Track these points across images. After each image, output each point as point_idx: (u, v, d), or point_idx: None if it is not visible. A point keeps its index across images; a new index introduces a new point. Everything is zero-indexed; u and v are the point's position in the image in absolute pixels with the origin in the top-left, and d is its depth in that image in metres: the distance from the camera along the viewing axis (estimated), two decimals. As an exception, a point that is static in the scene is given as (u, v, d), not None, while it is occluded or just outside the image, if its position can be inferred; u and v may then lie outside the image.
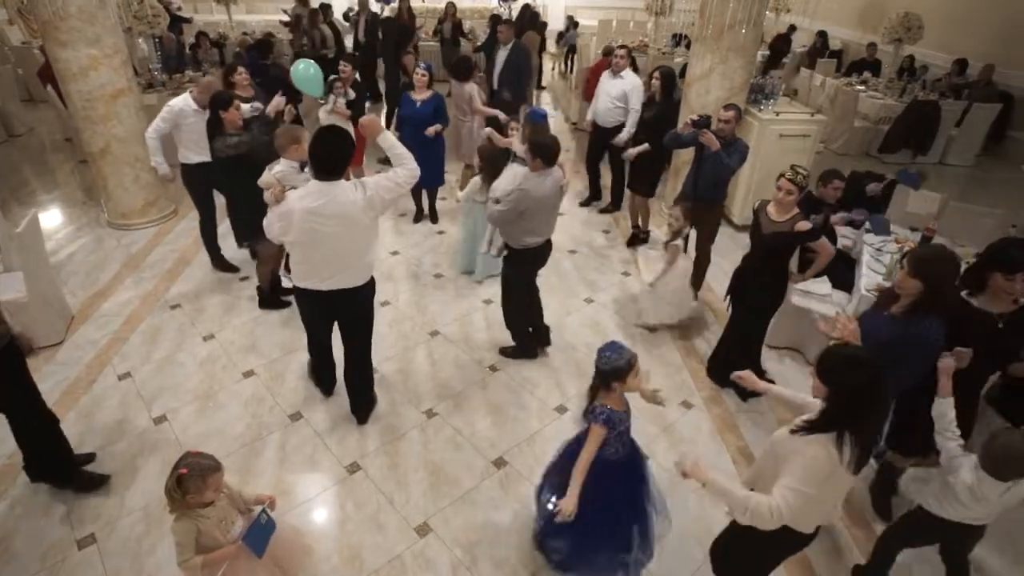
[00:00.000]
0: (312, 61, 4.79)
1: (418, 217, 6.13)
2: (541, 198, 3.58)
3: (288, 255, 4.52)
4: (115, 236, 5.71)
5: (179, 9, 11.35)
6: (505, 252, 3.88)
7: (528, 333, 4.19)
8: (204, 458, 2.20)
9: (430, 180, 5.65)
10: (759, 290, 3.64)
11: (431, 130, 5.41)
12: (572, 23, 12.44)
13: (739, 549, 2.35)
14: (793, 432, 1.99)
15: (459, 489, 3.20)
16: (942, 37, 9.21)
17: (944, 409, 2.38)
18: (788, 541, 2.11)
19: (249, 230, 4.23)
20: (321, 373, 3.78)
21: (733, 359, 3.91)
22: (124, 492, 3.12)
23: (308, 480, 3.24)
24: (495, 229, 4.06)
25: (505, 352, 4.26)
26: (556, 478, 2.62)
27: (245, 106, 4.99)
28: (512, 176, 3.97)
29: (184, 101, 4.67)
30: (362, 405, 3.66)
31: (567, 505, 2.30)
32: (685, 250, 4.37)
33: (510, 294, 4.02)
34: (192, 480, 2.12)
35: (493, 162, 4.56)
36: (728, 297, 3.88)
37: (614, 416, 2.37)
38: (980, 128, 8.21)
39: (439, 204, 6.26)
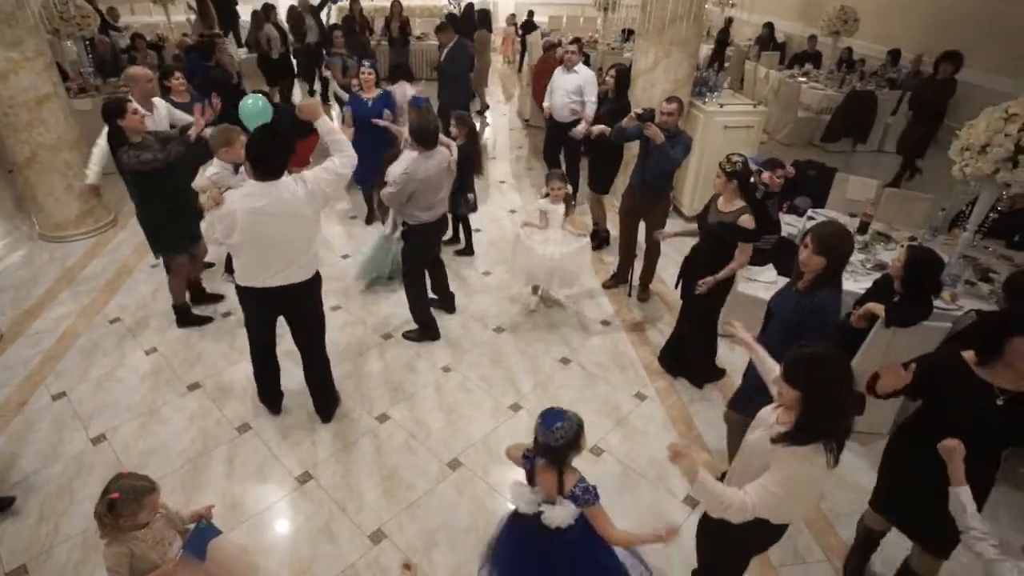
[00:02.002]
0: (261, 95, 4.56)
1: (370, 219, 6.02)
2: (426, 179, 3.78)
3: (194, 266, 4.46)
4: (48, 249, 5.44)
5: (117, 20, 10.80)
6: (403, 229, 4.10)
7: (431, 315, 4.34)
8: (137, 479, 2.10)
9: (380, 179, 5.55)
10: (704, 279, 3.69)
11: (386, 117, 5.33)
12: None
13: (721, 544, 2.33)
14: (774, 442, 1.91)
15: (414, 493, 3.15)
16: (877, 29, 9.55)
17: (962, 501, 1.90)
18: (766, 533, 2.12)
19: (160, 242, 4.08)
20: (265, 383, 3.59)
21: (690, 349, 3.97)
22: (59, 518, 2.96)
23: (257, 493, 3.15)
24: (395, 211, 4.28)
25: (409, 336, 4.36)
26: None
27: (179, 113, 4.80)
28: (403, 160, 4.14)
29: None
30: (325, 403, 3.61)
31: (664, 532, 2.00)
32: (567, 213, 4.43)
33: (410, 270, 4.19)
34: (126, 504, 2.02)
35: None
36: (679, 286, 3.92)
37: (594, 488, 2.06)
38: (915, 116, 8.56)
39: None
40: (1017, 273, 3.41)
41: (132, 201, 4.44)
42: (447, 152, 3.96)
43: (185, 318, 4.41)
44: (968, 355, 2.23)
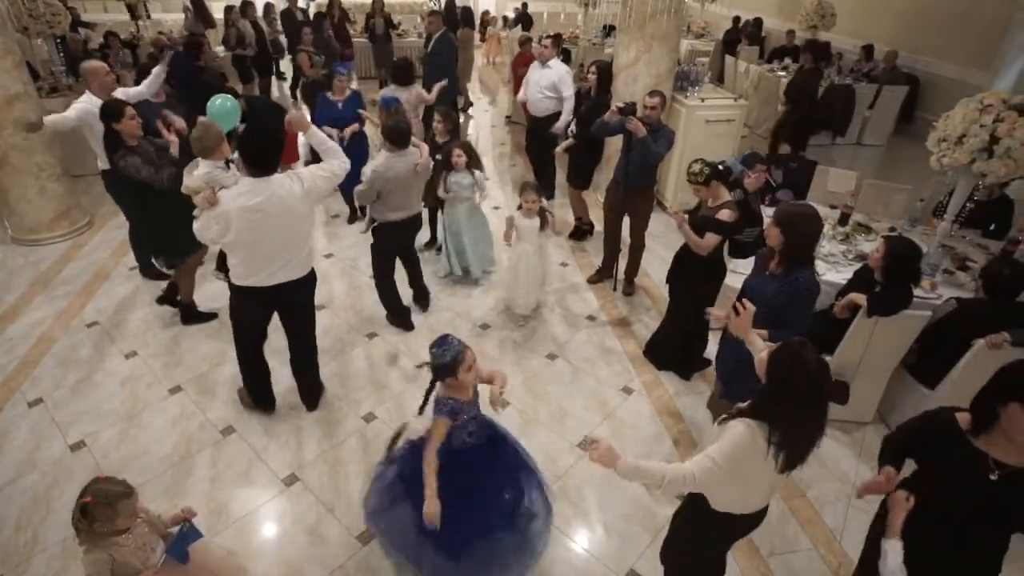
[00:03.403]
0: (228, 96, 4.49)
1: (352, 218, 5.98)
2: (395, 178, 3.83)
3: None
4: (21, 253, 5.31)
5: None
6: (374, 225, 4.17)
7: (401, 305, 4.43)
8: (113, 484, 2.06)
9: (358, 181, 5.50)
10: (695, 273, 3.70)
11: (347, 131, 5.30)
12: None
13: (680, 543, 2.36)
14: (723, 422, 1.96)
15: (402, 492, 3.13)
16: (853, 24, 9.67)
17: (886, 550, 1.84)
18: (720, 525, 2.10)
19: (176, 248, 4.03)
20: (256, 386, 3.54)
21: (677, 342, 3.97)
22: (38, 527, 2.90)
23: (243, 496, 3.10)
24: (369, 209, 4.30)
25: (390, 319, 4.48)
26: (394, 491, 2.54)
27: (134, 90, 4.61)
28: (378, 159, 4.21)
29: (89, 101, 4.26)
30: (311, 391, 3.65)
31: (429, 509, 2.24)
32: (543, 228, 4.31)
33: (378, 264, 4.30)
34: (99, 508, 1.98)
35: None
36: (668, 282, 3.93)
37: (458, 406, 2.36)
38: (891, 110, 8.68)
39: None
40: (992, 261, 3.48)
41: (130, 220, 4.37)
42: (417, 152, 3.93)
43: (191, 315, 4.40)
44: (963, 418, 1.94)
